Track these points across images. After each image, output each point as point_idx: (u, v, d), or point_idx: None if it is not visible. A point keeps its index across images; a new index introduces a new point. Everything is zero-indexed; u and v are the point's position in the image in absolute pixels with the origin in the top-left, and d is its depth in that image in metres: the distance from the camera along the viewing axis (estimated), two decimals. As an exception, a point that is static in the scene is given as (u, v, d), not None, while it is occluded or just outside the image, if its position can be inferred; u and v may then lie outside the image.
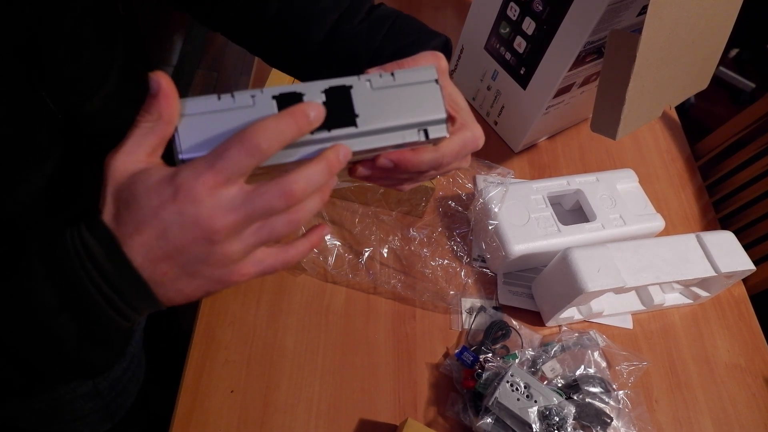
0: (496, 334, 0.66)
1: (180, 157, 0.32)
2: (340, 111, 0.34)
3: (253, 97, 0.33)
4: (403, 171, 0.39)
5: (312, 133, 0.33)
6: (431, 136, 0.37)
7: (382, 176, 0.41)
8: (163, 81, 0.32)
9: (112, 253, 0.31)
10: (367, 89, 0.35)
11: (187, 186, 0.30)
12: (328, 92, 0.34)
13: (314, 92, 0.34)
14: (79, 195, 0.46)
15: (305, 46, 0.51)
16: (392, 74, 0.36)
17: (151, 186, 0.31)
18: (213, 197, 0.30)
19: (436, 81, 0.36)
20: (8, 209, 0.40)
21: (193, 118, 0.32)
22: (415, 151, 0.38)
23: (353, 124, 0.34)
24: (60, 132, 0.41)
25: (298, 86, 0.34)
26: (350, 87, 0.35)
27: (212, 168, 0.30)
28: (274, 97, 0.33)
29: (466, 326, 0.69)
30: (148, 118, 0.32)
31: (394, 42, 0.49)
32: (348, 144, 0.34)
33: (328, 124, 0.33)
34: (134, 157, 0.32)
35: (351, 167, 0.40)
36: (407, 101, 0.36)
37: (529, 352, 0.65)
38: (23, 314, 0.32)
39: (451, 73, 0.91)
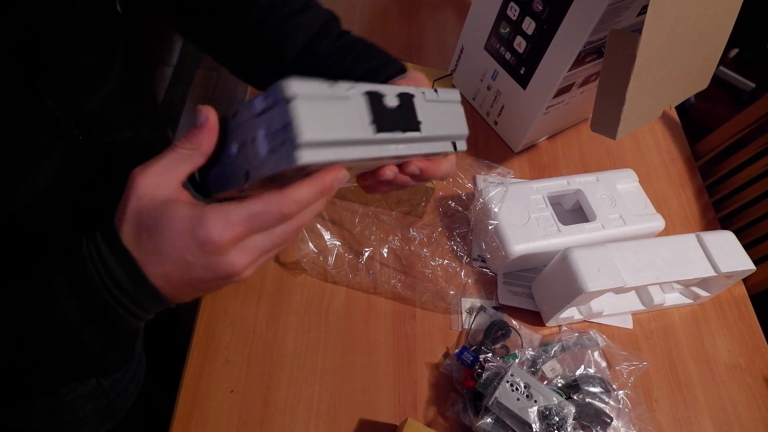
0: (496, 334, 0.66)
1: (302, 139, 0.30)
2: (408, 115, 0.36)
3: (350, 89, 0.33)
4: (423, 178, 0.42)
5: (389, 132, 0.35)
6: (458, 149, 0.41)
7: (403, 182, 0.43)
8: (211, 115, 0.34)
9: (134, 276, 0.33)
10: (423, 101, 0.37)
11: (217, 239, 0.31)
12: (400, 96, 0.36)
13: (390, 94, 0.36)
14: (84, 195, 0.46)
15: (279, 61, 0.51)
16: (436, 91, 0.39)
17: (179, 226, 0.32)
18: (237, 246, 0.33)
19: (460, 102, 0.41)
20: (8, 209, 0.40)
21: (308, 102, 0.31)
22: (435, 161, 0.41)
23: (418, 129, 0.37)
24: (60, 132, 0.41)
25: (378, 87, 0.35)
26: (413, 96, 0.37)
27: (246, 226, 0.32)
28: (365, 93, 0.34)
29: (466, 326, 0.69)
30: (187, 146, 0.34)
31: (366, 62, 0.50)
32: (404, 148, 0.36)
33: (402, 126, 0.35)
34: (164, 180, 0.33)
35: (377, 170, 0.41)
36: (446, 116, 0.39)
37: (529, 352, 0.65)
38: (46, 329, 0.34)
39: (451, 73, 0.91)
